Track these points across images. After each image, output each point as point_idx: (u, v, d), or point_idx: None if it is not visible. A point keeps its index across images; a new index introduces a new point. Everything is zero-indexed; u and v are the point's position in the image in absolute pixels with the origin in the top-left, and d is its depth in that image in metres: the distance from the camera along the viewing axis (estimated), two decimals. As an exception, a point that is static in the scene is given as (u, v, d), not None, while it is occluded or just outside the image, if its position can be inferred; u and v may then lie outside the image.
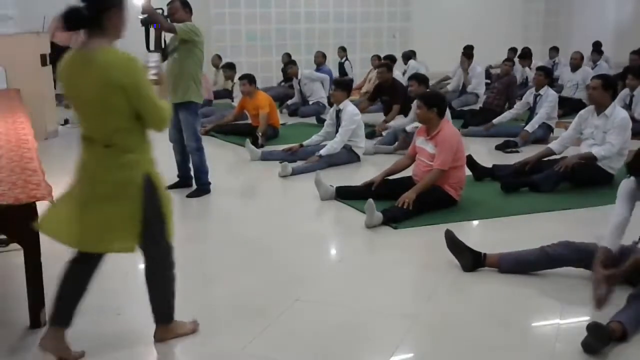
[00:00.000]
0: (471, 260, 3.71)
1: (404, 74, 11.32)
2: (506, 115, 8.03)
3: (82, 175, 2.75)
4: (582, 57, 10.18)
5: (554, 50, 13.28)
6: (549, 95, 7.45)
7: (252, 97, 7.91)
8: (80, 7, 2.59)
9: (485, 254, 3.72)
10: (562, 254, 3.52)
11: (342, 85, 6.82)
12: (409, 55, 12.21)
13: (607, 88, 5.35)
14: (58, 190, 3.01)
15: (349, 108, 6.58)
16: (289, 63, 10.84)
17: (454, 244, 3.80)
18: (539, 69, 7.97)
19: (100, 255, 2.87)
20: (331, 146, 6.47)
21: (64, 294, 2.82)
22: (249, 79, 7.95)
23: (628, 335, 2.91)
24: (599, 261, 3.14)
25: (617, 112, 5.36)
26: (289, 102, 10.24)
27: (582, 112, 5.68)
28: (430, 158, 4.90)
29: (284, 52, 12.61)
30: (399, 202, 4.70)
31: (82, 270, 2.85)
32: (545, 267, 3.61)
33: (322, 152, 6.44)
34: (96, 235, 2.73)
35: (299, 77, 10.00)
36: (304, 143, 6.82)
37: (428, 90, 6.94)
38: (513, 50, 12.65)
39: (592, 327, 2.84)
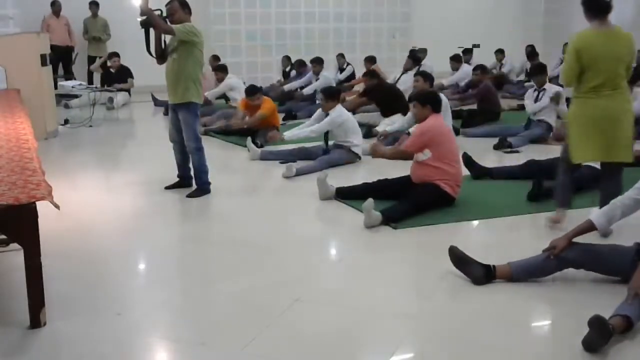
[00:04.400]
0: (482, 273, 3.54)
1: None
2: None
3: (602, 112, 4.18)
4: None
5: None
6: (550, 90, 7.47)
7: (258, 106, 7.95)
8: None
9: (494, 266, 3.57)
10: (569, 255, 3.45)
11: (331, 95, 6.68)
12: (419, 58, 12.23)
13: None
14: (58, 190, 3.01)
15: (334, 113, 6.54)
16: (291, 65, 11.74)
17: (461, 260, 3.62)
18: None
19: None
20: (299, 130, 6.68)
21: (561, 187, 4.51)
22: (260, 90, 8.09)
23: (633, 325, 2.88)
24: None
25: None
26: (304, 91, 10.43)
27: None
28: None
29: (283, 55, 12.66)
30: None
31: (612, 178, 4.31)
32: (555, 270, 3.52)
33: (286, 134, 6.68)
34: (618, 148, 4.21)
35: (319, 76, 10.21)
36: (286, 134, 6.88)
37: (432, 88, 7.00)
38: (468, 50, 12.77)
39: (595, 322, 2.79)
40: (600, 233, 3.80)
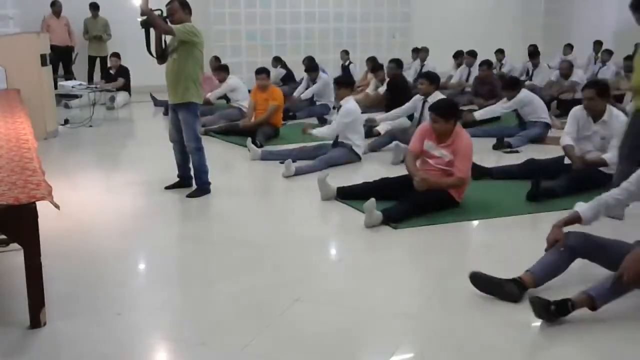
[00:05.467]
0: (517, 289, 3.34)
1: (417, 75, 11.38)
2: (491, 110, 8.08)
3: None
4: (571, 66, 10.12)
5: (568, 48, 13.29)
6: (519, 95, 7.63)
7: (266, 90, 7.96)
8: None
9: (521, 278, 3.42)
10: (577, 243, 3.42)
11: (345, 83, 6.82)
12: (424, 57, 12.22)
13: (602, 95, 5.30)
14: (58, 190, 3.01)
15: (347, 104, 6.56)
16: (281, 65, 11.96)
17: (487, 283, 3.40)
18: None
19: None
20: (324, 130, 6.68)
21: None
22: (267, 72, 8.11)
23: (597, 307, 3.06)
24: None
25: (615, 116, 5.31)
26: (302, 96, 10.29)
27: (577, 110, 5.52)
28: (446, 164, 4.85)
29: (274, 56, 12.64)
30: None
31: None
32: (569, 262, 3.46)
33: (314, 131, 6.66)
34: None
35: (317, 79, 10.07)
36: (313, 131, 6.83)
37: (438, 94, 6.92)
38: (463, 53, 12.83)
39: (534, 302, 3.07)
40: (584, 225, 3.60)
